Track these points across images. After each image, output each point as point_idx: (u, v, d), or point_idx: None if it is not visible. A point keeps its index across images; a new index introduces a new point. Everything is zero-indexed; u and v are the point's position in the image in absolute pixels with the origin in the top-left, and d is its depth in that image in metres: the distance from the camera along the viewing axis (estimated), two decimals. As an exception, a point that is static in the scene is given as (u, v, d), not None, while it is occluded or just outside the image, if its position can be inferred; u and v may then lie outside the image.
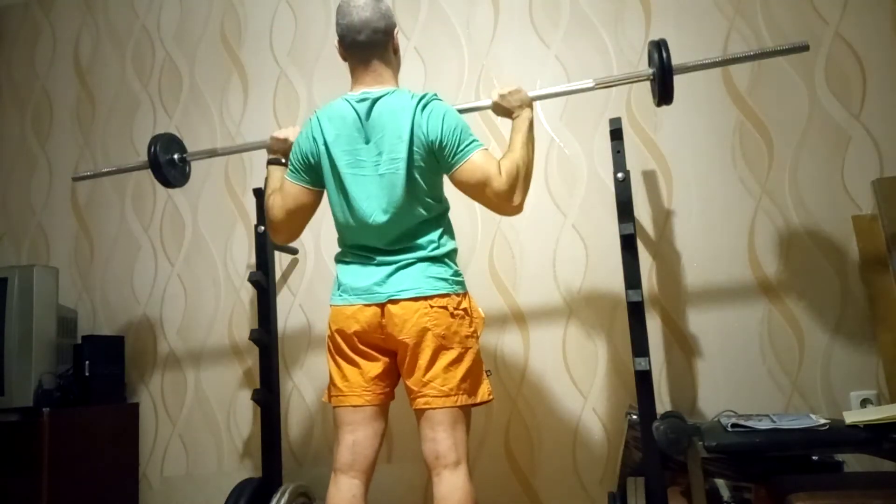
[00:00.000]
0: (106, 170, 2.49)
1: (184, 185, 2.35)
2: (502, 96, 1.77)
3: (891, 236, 2.03)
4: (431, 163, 1.62)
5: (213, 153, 2.36)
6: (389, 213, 1.61)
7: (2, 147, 3.21)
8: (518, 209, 1.63)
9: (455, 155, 1.60)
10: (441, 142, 1.59)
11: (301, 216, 1.74)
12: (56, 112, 3.15)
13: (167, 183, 2.25)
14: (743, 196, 2.24)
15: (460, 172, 1.60)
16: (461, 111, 1.74)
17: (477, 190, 1.61)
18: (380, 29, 1.66)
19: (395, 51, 1.74)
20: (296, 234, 1.78)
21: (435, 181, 1.66)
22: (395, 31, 1.72)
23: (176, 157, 2.25)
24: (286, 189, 1.72)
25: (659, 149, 2.34)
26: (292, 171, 1.72)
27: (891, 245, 2.03)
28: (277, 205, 1.72)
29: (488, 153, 1.62)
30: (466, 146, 1.60)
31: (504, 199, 1.60)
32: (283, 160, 1.82)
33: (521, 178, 1.62)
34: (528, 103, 1.77)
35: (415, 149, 1.60)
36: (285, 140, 1.83)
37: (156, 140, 2.21)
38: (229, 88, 2.89)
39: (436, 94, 1.66)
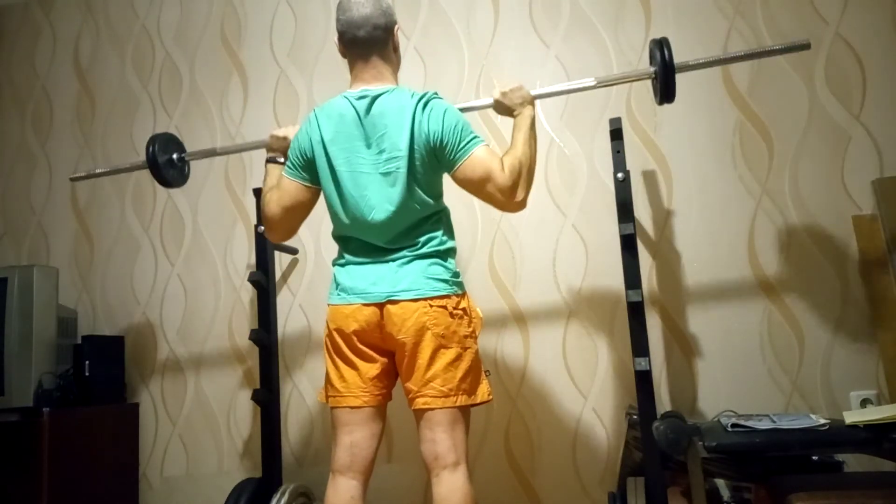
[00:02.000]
0: (103, 170, 2.47)
1: (183, 185, 2.34)
2: (504, 94, 1.77)
3: (891, 236, 2.03)
4: (432, 161, 1.62)
5: (211, 153, 2.35)
6: (389, 211, 1.61)
7: (2, 147, 3.21)
8: (521, 205, 1.63)
9: (457, 152, 1.60)
10: (442, 140, 1.59)
11: (298, 213, 1.73)
12: (56, 112, 3.15)
13: (166, 183, 2.24)
14: (743, 196, 2.24)
15: (462, 169, 1.60)
16: (462, 110, 1.73)
17: (479, 186, 1.60)
18: (380, 25, 1.66)
19: (396, 48, 1.74)
20: (292, 231, 1.78)
21: (435, 180, 1.66)
22: (396, 29, 1.72)
23: (175, 156, 2.24)
24: (283, 186, 1.71)
25: (659, 149, 2.34)
26: (290, 168, 1.72)
27: (891, 245, 2.03)
28: (274, 200, 1.72)
29: (490, 149, 1.62)
30: (468, 143, 1.60)
31: (507, 194, 1.59)
32: (282, 159, 1.81)
33: (524, 174, 1.62)
34: (530, 101, 1.77)
35: (415, 147, 1.59)
36: (284, 138, 1.82)
37: (154, 140, 2.20)
38: (229, 88, 2.89)
39: (436, 93, 1.66)
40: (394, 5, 2.66)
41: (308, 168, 1.69)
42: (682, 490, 1.91)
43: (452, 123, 1.60)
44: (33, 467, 2.31)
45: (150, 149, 2.17)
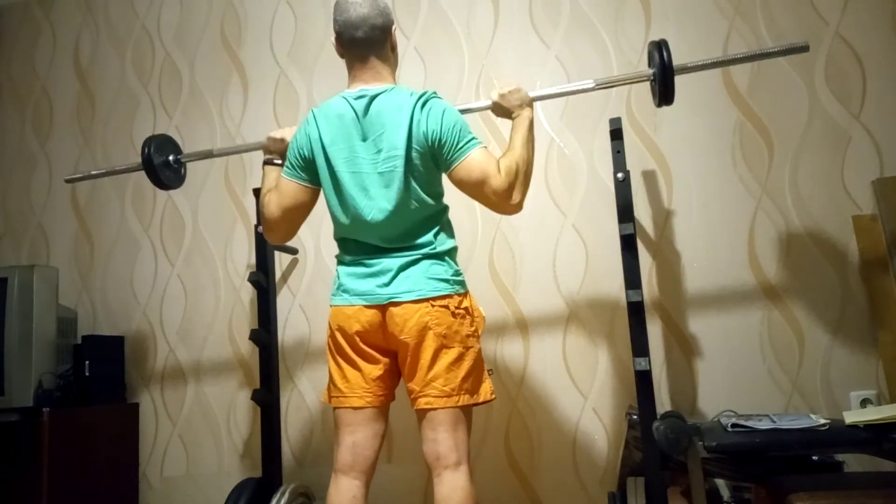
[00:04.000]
0: (98, 172, 2.46)
1: (179, 187, 2.33)
2: (502, 96, 1.76)
3: (891, 236, 2.03)
4: (430, 161, 1.61)
5: (208, 154, 2.32)
6: (388, 210, 1.60)
7: (2, 147, 3.21)
8: (517, 208, 1.62)
9: (454, 153, 1.59)
10: (440, 139, 1.59)
11: (297, 214, 1.72)
12: (56, 112, 3.15)
13: (161, 184, 2.23)
14: (743, 196, 2.24)
15: (459, 170, 1.59)
16: (461, 111, 1.72)
17: (476, 188, 1.60)
18: (377, 25, 1.65)
19: (393, 48, 1.74)
20: (291, 233, 1.77)
21: (434, 179, 1.66)
22: (393, 29, 1.72)
23: (171, 158, 2.23)
24: (282, 187, 1.71)
25: (659, 149, 2.34)
26: (289, 168, 1.71)
27: (891, 245, 2.04)
28: (273, 202, 1.71)
29: (487, 151, 1.62)
30: (465, 144, 1.60)
31: (503, 197, 1.59)
32: (279, 161, 1.80)
33: (521, 177, 1.61)
34: (529, 103, 1.76)
35: (414, 146, 1.59)
36: (282, 140, 1.81)
37: (150, 141, 2.18)
38: (229, 88, 2.89)
39: (435, 93, 1.66)
40: (393, 5, 2.68)
41: (307, 168, 1.69)
42: (682, 490, 1.91)
43: (451, 124, 1.60)
44: (33, 467, 2.31)
45: (146, 150, 2.16)
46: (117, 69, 3.08)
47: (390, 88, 1.65)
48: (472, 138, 1.61)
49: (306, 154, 1.68)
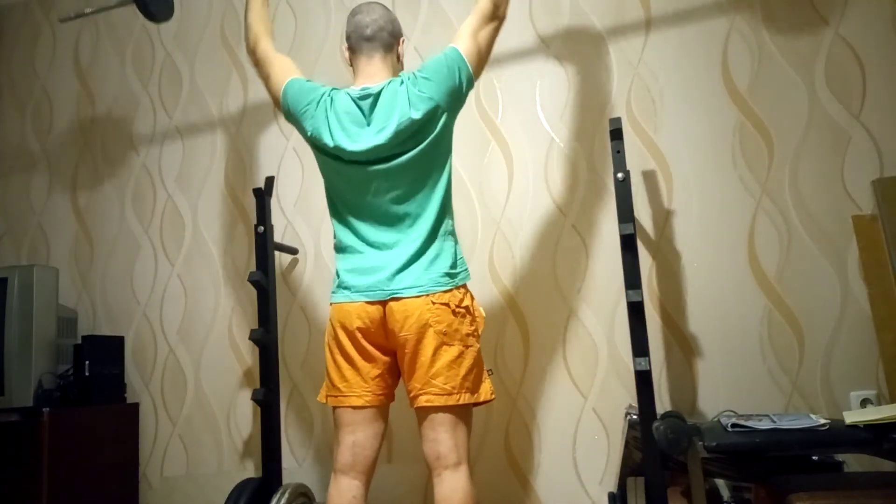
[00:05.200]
0: (92, 10, 2.48)
1: (169, 19, 2.28)
2: None
3: (891, 236, 2.03)
4: (446, 113, 1.67)
5: None
6: (396, 193, 1.64)
7: (2, 147, 3.21)
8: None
9: (459, 68, 1.67)
10: (443, 75, 1.66)
11: (261, 69, 1.88)
12: (56, 112, 3.15)
13: (152, 16, 2.21)
14: (743, 196, 2.24)
15: (471, 61, 1.70)
16: None
17: (485, 41, 1.74)
18: (386, 28, 1.74)
19: (399, 58, 1.81)
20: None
21: (440, 155, 1.69)
22: (402, 40, 1.80)
23: None
24: (277, 74, 1.81)
25: (659, 149, 2.34)
26: (292, 88, 1.76)
27: (891, 245, 2.03)
28: (261, 49, 1.86)
29: (457, 35, 1.73)
30: (452, 54, 1.69)
31: (499, 15, 1.76)
32: None
33: None
34: None
35: (421, 118, 1.63)
36: None
37: None
38: (229, 88, 2.89)
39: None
40: (393, 5, 2.68)
41: (291, 117, 1.76)
42: (682, 490, 1.91)
43: (432, 63, 1.68)
44: (33, 467, 2.31)
45: None
46: (117, 69, 3.08)
47: (388, 82, 1.69)
48: (448, 49, 1.70)
49: (307, 124, 1.72)
